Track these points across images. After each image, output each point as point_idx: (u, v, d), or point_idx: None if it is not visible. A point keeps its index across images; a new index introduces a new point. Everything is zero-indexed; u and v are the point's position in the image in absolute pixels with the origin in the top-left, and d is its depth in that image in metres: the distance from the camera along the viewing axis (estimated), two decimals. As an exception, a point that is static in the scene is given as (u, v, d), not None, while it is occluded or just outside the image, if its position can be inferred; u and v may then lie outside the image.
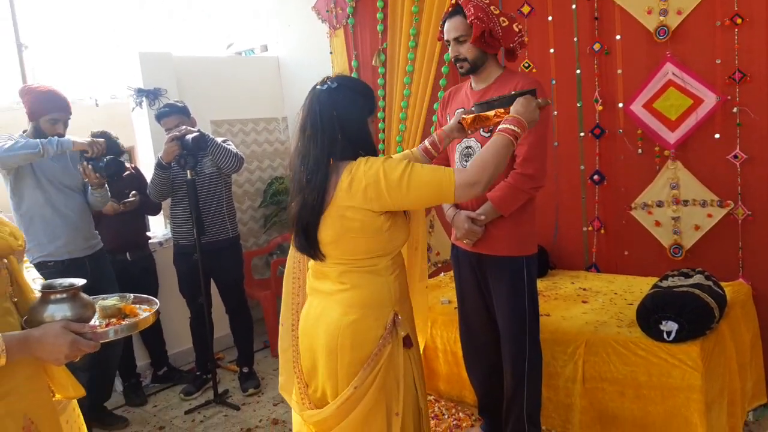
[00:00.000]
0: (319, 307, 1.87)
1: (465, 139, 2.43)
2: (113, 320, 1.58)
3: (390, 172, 1.68)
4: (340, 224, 1.74)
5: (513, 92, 1.99)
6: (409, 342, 1.89)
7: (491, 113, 1.95)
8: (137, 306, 1.67)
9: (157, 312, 1.67)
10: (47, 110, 2.95)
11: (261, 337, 4.41)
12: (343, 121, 1.76)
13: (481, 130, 2.36)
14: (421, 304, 2.35)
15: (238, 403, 3.55)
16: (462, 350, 2.76)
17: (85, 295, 1.51)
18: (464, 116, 2.04)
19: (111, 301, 1.64)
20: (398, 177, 1.67)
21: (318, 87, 1.81)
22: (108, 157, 3.04)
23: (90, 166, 2.98)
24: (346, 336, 1.78)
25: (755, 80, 2.88)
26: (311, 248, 1.81)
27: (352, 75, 4.21)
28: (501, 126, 1.80)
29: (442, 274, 3.89)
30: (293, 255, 2.04)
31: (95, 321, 1.55)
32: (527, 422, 2.48)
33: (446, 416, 3.05)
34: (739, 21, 2.87)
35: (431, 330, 3.17)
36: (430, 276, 4.06)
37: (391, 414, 1.83)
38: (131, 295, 1.74)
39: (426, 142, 2.08)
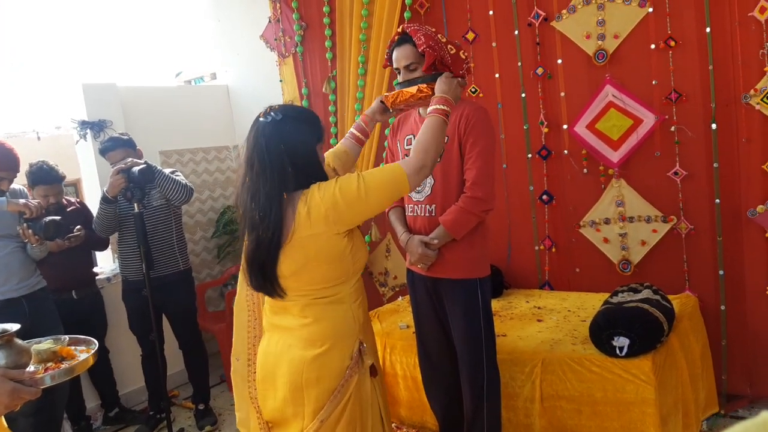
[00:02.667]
0: (279, 343, 1.82)
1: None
2: (50, 364, 1.52)
3: (345, 188, 1.70)
4: (302, 254, 1.72)
5: (433, 73, 2.07)
6: (374, 371, 1.88)
7: (413, 89, 2.04)
8: (74, 348, 1.61)
9: (96, 353, 1.61)
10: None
11: (217, 371, 4.30)
12: (291, 154, 1.73)
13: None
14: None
15: (195, 441, 3.44)
16: (421, 375, 2.75)
17: (19, 341, 1.44)
18: (386, 94, 2.09)
19: (46, 344, 1.57)
20: (355, 189, 1.69)
21: (261, 119, 1.76)
22: (47, 219, 2.96)
23: (29, 229, 2.91)
24: (311, 370, 1.75)
25: (690, 99, 3.01)
26: (269, 286, 1.77)
27: (303, 102, 4.21)
28: (431, 108, 1.90)
29: (400, 298, 3.88)
30: (245, 287, 1.99)
31: (31, 367, 1.48)
32: (488, 445, 2.47)
33: (408, 443, 3.01)
34: (672, 43, 3.00)
35: (390, 356, 3.15)
36: (388, 300, 4.05)
37: None
38: (66, 336, 1.67)
39: (353, 129, 2.16)
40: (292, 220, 1.70)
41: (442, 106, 1.89)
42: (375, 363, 1.91)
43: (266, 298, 1.88)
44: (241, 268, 1.94)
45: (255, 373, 1.93)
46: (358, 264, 1.83)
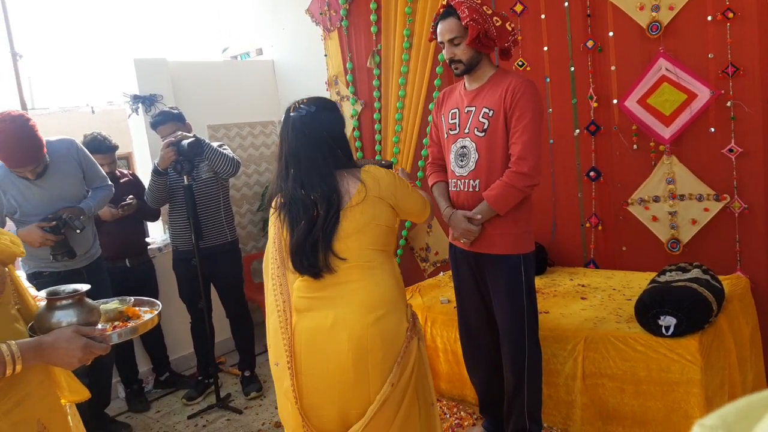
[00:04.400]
0: (329, 316, 1.82)
1: (460, 139, 2.44)
2: (117, 323, 1.60)
3: (400, 181, 1.95)
4: (368, 211, 1.82)
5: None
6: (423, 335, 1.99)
7: None
8: (138, 309, 1.69)
9: (160, 314, 1.69)
10: (9, 165, 2.75)
11: (262, 340, 4.40)
12: (335, 139, 1.89)
13: (476, 130, 2.38)
14: None
15: (241, 407, 3.56)
16: (462, 349, 2.76)
17: (89, 300, 1.52)
18: None
19: (112, 304, 1.66)
20: (407, 185, 1.96)
21: (294, 114, 1.87)
22: (62, 239, 2.89)
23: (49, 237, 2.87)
24: (375, 334, 1.79)
25: (748, 74, 2.89)
26: (323, 260, 1.80)
27: (347, 77, 4.22)
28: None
29: (441, 273, 3.90)
30: (271, 290, 1.94)
31: (99, 325, 1.56)
32: (528, 420, 2.49)
33: (448, 416, 3.05)
34: (730, 15, 2.87)
35: (431, 330, 3.18)
36: (429, 275, 4.07)
37: (428, 405, 1.92)
38: (131, 298, 1.75)
39: None
40: (357, 184, 1.83)
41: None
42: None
43: (298, 284, 1.88)
44: (265, 272, 1.98)
45: (294, 375, 1.86)
46: (394, 244, 2.00)
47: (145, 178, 3.67)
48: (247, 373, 3.79)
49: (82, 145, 3.10)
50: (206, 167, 3.51)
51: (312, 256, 1.81)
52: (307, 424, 1.86)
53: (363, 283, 1.83)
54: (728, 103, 2.95)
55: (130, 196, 3.60)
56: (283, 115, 1.92)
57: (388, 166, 2.16)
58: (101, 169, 3.19)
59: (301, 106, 1.87)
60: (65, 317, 1.44)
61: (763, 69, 2.83)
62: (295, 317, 1.89)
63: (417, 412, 1.88)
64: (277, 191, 1.90)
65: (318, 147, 1.83)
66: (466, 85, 2.47)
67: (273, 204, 1.92)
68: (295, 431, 1.92)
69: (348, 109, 4.21)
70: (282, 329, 1.90)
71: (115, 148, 3.62)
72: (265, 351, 4.57)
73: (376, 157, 4.07)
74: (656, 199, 3.25)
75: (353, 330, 1.79)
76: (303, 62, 4.83)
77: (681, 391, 2.43)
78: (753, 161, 2.95)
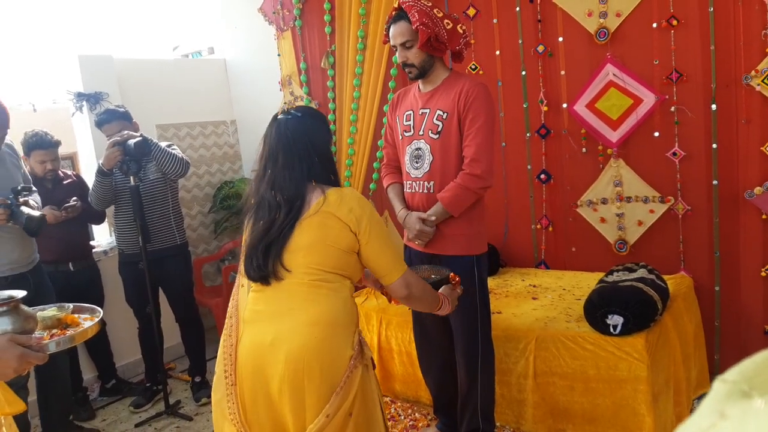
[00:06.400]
0: (269, 332, 1.70)
1: (414, 141, 2.44)
2: (55, 331, 1.53)
3: (378, 223, 1.77)
4: (321, 230, 1.69)
5: (438, 278, 2.08)
6: (373, 364, 1.83)
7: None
8: (78, 316, 1.62)
9: (102, 321, 1.62)
10: None
11: (213, 345, 4.31)
12: (316, 147, 1.81)
13: (430, 132, 2.38)
14: None
15: (191, 413, 3.48)
16: (416, 350, 2.77)
17: (25, 307, 1.45)
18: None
19: (50, 311, 1.58)
20: (385, 234, 1.77)
21: (281, 116, 1.82)
22: (34, 214, 2.78)
23: (9, 220, 2.75)
24: (313, 357, 1.64)
25: (691, 80, 2.99)
26: (272, 265, 1.71)
27: (301, 78, 4.18)
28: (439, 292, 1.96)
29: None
30: (230, 306, 1.86)
31: (36, 333, 1.49)
32: (482, 419, 2.51)
33: (402, 417, 3.05)
34: (675, 23, 2.97)
35: (385, 331, 3.17)
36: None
37: None
38: (70, 305, 1.67)
39: None
40: (318, 198, 1.73)
41: (443, 303, 1.96)
42: (372, 357, 1.86)
43: (251, 296, 1.80)
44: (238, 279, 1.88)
45: (233, 385, 1.76)
46: (357, 273, 1.83)
47: (90, 179, 3.54)
48: (197, 379, 3.71)
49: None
50: (154, 168, 3.41)
51: (262, 259, 1.72)
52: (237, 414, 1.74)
53: (307, 301, 1.70)
54: (672, 108, 3.05)
55: (74, 198, 3.47)
56: (270, 120, 1.86)
57: (444, 279, 2.06)
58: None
59: (290, 110, 1.85)
60: (0, 325, 1.36)
61: (705, 75, 2.94)
62: (242, 328, 1.79)
63: None
64: (252, 192, 1.83)
65: (297, 151, 1.77)
66: (421, 87, 2.47)
67: (245, 208, 1.86)
68: None
69: (324, 115, 4.17)
70: (226, 337, 1.80)
71: (58, 143, 3.47)
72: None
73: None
74: (604, 201, 3.33)
75: (291, 349, 1.66)
76: (256, 61, 4.77)
77: (628, 388, 2.49)
78: (696, 164, 3.05)
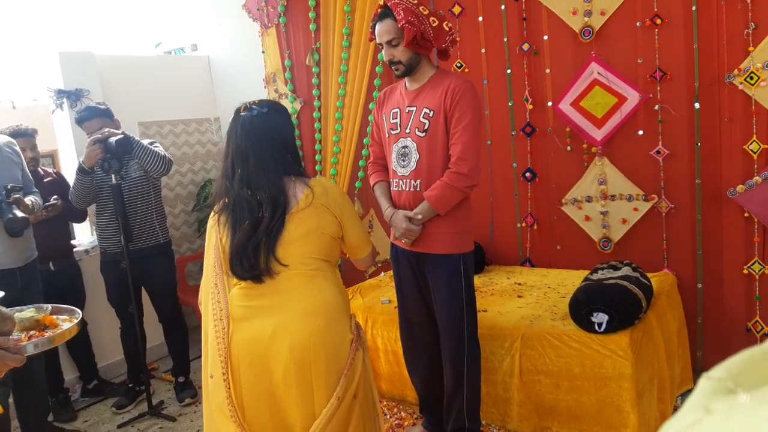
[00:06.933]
0: (268, 325, 1.74)
1: (401, 139, 2.43)
2: (33, 333, 1.49)
3: (350, 204, 1.94)
4: (313, 219, 1.78)
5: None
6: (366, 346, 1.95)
7: None
8: (57, 317, 1.58)
9: (81, 322, 1.59)
10: None
11: (197, 344, 4.25)
12: (285, 143, 1.86)
13: (416, 130, 2.38)
14: None
15: (174, 414, 3.44)
16: (402, 349, 2.76)
17: (2, 308, 1.41)
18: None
19: (27, 312, 1.54)
20: (355, 213, 1.96)
21: (245, 113, 1.82)
22: (19, 215, 2.76)
23: None
24: (318, 345, 1.72)
25: (675, 78, 3.01)
26: (264, 263, 1.74)
27: (286, 75, 4.15)
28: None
29: (382, 273, 3.89)
30: (210, 301, 1.83)
31: (14, 335, 1.45)
32: (467, 418, 2.50)
33: (388, 416, 3.04)
34: (658, 21, 2.99)
35: (371, 330, 3.16)
36: (370, 276, 4.05)
37: (372, 418, 1.88)
38: (48, 306, 1.64)
39: None
40: (304, 189, 1.79)
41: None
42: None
43: (235, 292, 1.81)
44: (204, 281, 1.86)
45: (229, 387, 1.76)
46: (337, 259, 1.97)
47: (71, 177, 3.49)
48: (181, 379, 3.66)
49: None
50: (136, 166, 3.37)
51: (254, 259, 1.75)
52: (237, 416, 1.75)
53: (305, 291, 1.77)
54: (656, 107, 3.07)
55: (55, 197, 3.41)
56: (233, 115, 1.86)
57: None
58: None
59: (253, 106, 1.83)
60: None
61: (689, 74, 2.96)
62: (232, 326, 1.79)
63: (370, 422, 1.84)
64: (222, 191, 1.83)
65: (268, 149, 1.79)
66: (407, 85, 2.46)
67: (215, 207, 1.85)
68: None
69: (287, 108, 4.14)
70: (219, 339, 1.79)
71: (35, 131, 3.48)
72: (200, 356, 4.45)
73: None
74: (589, 200, 3.34)
75: (294, 340, 1.72)
76: (240, 59, 4.72)
77: (613, 385, 2.50)
78: (679, 163, 3.07)
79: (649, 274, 2.93)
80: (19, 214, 2.73)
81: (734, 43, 2.81)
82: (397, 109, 2.47)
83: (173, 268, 3.66)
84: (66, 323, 1.55)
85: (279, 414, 1.76)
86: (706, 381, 0.38)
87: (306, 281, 1.77)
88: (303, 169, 1.94)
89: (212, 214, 1.87)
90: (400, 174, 2.46)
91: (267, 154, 1.79)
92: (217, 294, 1.83)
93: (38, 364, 3.13)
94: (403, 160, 2.44)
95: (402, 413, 3.05)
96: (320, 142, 4.07)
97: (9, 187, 2.76)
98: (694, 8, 2.87)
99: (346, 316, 1.84)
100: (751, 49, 2.76)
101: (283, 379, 1.73)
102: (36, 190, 3.10)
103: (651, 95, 3.07)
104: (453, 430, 2.55)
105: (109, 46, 5.42)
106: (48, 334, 1.48)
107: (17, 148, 3.05)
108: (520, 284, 3.34)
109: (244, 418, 1.76)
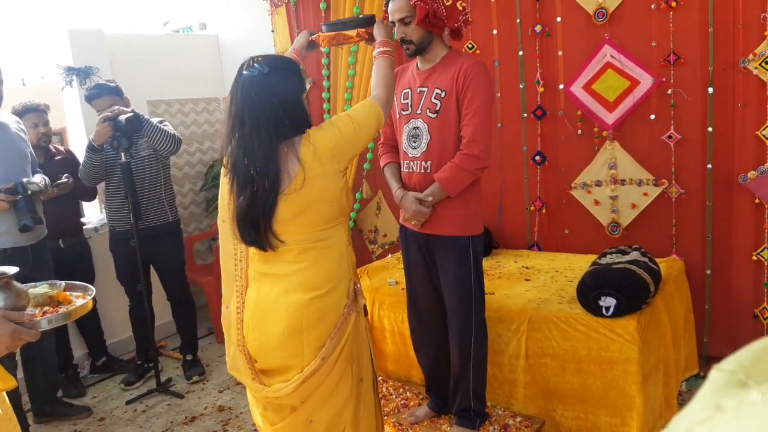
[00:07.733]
0: (273, 290, 1.83)
1: (412, 120, 2.42)
2: (47, 308, 1.51)
3: (344, 127, 1.81)
4: (306, 196, 1.74)
5: (360, 16, 2.25)
6: (366, 311, 1.97)
7: (353, 32, 2.20)
8: (70, 293, 1.60)
9: (94, 299, 1.60)
10: None
11: (205, 323, 4.32)
12: (284, 106, 1.75)
13: (428, 111, 2.36)
14: None
15: (182, 391, 3.48)
16: (410, 330, 2.77)
17: (17, 284, 1.43)
18: (319, 34, 2.21)
19: (41, 288, 1.56)
20: (351, 126, 1.82)
21: (246, 73, 1.75)
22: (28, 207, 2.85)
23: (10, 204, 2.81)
24: (312, 312, 1.78)
25: (689, 62, 2.98)
26: (264, 239, 1.78)
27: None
28: (379, 50, 2.06)
29: (390, 255, 3.89)
30: (230, 238, 1.94)
31: (28, 310, 1.47)
32: (473, 399, 2.52)
33: (394, 396, 3.06)
34: (673, 4, 2.95)
35: (378, 311, 3.17)
36: (377, 258, 4.06)
37: (356, 380, 1.90)
38: (62, 282, 1.66)
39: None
40: (296, 166, 1.73)
41: (388, 48, 2.07)
42: (366, 304, 2.00)
43: (254, 256, 1.89)
44: (219, 218, 1.96)
45: (243, 321, 1.92)
46: (350, 202, 1.94)
47: (81, 154, 3.50)
48: (189, 357, 3.70)
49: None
50: (145, 144, 3.37)
51: (254, 233, 1.79)
52: (245, 351, 1.91)
53: (304, 263, 1.81)
54: (669, 91, 3.04)
55: (66, 175, 3.42)
56: (237, 71, 1.81)
57: (369, 21, 2.15)
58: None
59: (255, 64, 1.75)
60: None
61: (703, 58, 2.92)
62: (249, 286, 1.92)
63: (347, 385, 1.88)
64: (227, 151, 1.82)
65: (263, 114, 1.72)
66: (419, 65, 2.44)
67: (224, 162, 1.86)
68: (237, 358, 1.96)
69: (296, 63, 4.11)
70: (237, 278, 1.92)
71: (47, 107, 3.50)
72: (209, 334, 4.49)
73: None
74: (598, 184, 3.33)
75: (289, 309, 1.79)
76: (249, 38, 4.70)
77: (619, 369, 2.50)
78: (691, 148, 3.05)
79: (657, 260, 2.91)
80: (31, 223, 2.79)
81: (750, 26, 2.77)
82: (409, 90, 2.45)
83: (182, 246, 3.69)
84: (79, 299, 1.57)
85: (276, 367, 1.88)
86: (717, 373, 0.38)
87: (305, 254, 1.81)
88: (308, 123, 1.85)
89: (223, 170, 1.88)
90: (410, 155, 2.45)
91: (261, 120, 1.72)
92: (241, 257, 1.94)
93: (48, 341, 3.17)
94: (414, 142, 2.43)
95: (408, 393, 3.07)
96: (329, 113, 4.06)
97: (25, 181, 2.81)
98: (710, -9, 2.83)
99: (345, 281, 1.86)
100: (767, 33, 2.72)
101: (277, 343, 1.82)
102: (39, 170, 3.11)
103: (664, 79, 3.04)
104: (459, 410, 2.57)
105: (118, 24, 5.40)
106: (62, 309, 1.50)
107: (23, 126, 3.08)
108: (527, 268, 3.34)
109: (255, 371, 1.91)
